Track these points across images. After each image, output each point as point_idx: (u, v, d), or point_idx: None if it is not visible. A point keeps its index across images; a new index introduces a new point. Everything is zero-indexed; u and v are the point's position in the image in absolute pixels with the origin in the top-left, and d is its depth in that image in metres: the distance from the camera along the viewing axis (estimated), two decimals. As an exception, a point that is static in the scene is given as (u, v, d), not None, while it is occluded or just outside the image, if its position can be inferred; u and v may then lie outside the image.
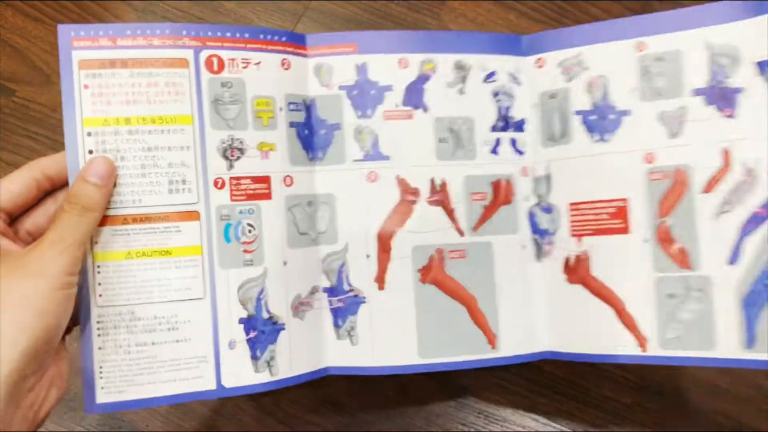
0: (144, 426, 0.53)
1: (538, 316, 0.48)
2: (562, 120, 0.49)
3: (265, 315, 0.43)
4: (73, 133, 0.39)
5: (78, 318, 0.39)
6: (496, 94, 0.48)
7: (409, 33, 0.47)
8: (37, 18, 0.54)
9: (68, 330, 0.39)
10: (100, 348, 0.39)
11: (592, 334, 0.48)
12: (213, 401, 0.54)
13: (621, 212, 0.48)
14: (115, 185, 0.39)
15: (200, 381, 0.41)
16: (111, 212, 0.39)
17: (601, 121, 0.48)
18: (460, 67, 0.47)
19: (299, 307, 0.44)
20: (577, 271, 0.48)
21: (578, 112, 0.48)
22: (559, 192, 0.48)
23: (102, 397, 0.39)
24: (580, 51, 0.48)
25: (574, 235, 0.49)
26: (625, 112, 0.47)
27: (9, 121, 0.54)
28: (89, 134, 0.39)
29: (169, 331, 0.40)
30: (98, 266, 0.39)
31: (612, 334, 0.47)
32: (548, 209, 0.48)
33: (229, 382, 0.42)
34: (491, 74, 0.48)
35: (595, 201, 0.48)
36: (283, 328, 0.43)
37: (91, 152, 0.39)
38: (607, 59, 0.48)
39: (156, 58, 0.40)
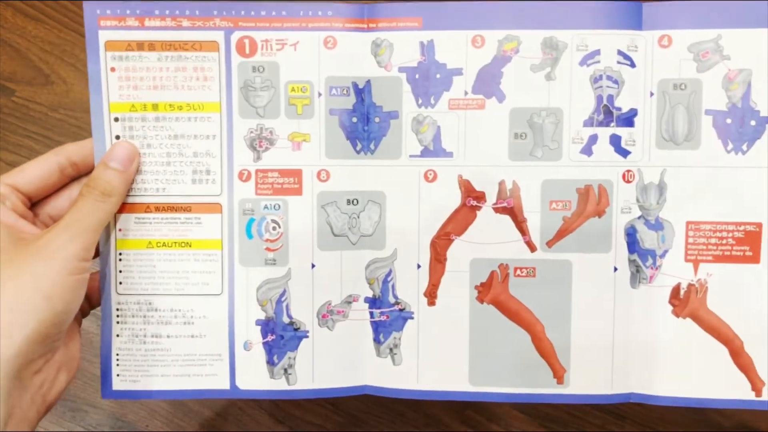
0: (144, 426, 0.53)
1: (624, 352, 0.40)
2: (688, 118, 0.39)
3: (286, 319, 0.39)
4: (100, 117, 0.38)
5: (94, 301, 0.40)
6: (596, 80, 0.39)
7: (488, 4, 0.39)
8: (37, 18, 0.54)
9: (85, 313, 0.40)
10: (117, 335, 0.39)
11: (697, 376, 0.40)
12: (212, 401, 0.53)
13: (751, 238, 0.39)
14: (139, 172, 0.39)
15: (214, 379, 0.40)
16: (134, 200, 0.39)
17: (737, 126, 0.38)
18: (550, 45, 0.39)
19: (327, 315, 0.40)
20: (688, 302, 0.39)
21: (709, 112, 0.38)
22: (674, 206, 0.39)
23: (117, 384, 0.39)
24: (720, 34, 0.38)
25: (689, 261, 0.39)
26: None
27: (9, 121, 0.54)
28: (116, 119, 0.38)
29: (185, 325, 0.39)
30: (120, 253, 0.39)
31: (723, 377, 0.40)
32: (657, 226, 0.39)
33: (243, 384, 0.40)
34: (592, 54, 0.39)
35: (720, 222, 0.39)
36: (306, 336, 0.40)
37: (118, 138, 0.38)
38: (752, 50, 0.38)
39: (185, 41, 0.38)
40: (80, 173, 0.39)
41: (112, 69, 0.38)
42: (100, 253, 0.39)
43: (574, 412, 0.53)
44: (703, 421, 0.53)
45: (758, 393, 0.39)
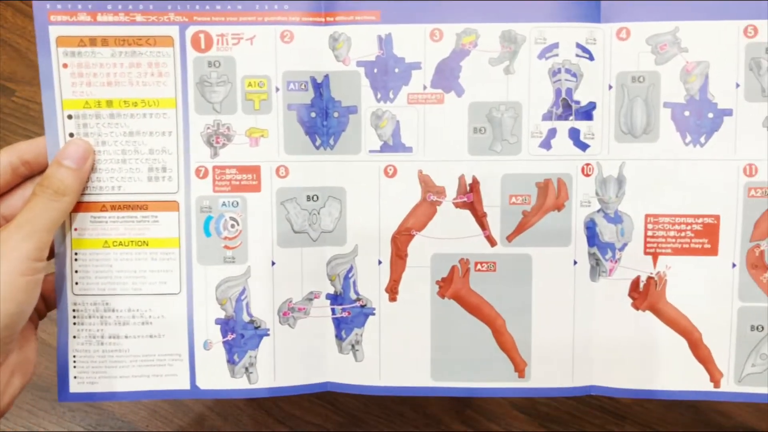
0: (144, 426, 0.53)
1: (585, 346, 0.40)
2: (647, 111, 0.39)
3: (246, 318, 0.39)
4: (53, 115, 0.37)
5: (50, 302, 0.39)
6: (555, 73, 0.39)
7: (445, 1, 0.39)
8: (37, 18, 0.55)
9: (41, 315, 0.39)
10: (74, 337, 0.39)
11: (657, 368, 0.40)
12: (213, 401, 0.52)
13: (709, 231, 0.39)
14: (94, 170, 0.38)
15: (174, 379, 0.39)
16: (90, 198, 0.38)
17: (696, 119, 0.38)
18: (508, 38, 0.39)
19: (288, 313, 0.39)
20: (648, 295, 0.39)
21: (668, 104, 0.38)
22: (633, 199, 0.39)
23: (75, 386, 0.39)
24: (678, 26, 0.38)
25: (648, 254, 0.39)
26: (726, 112, 0.38)
27: (9, 121, 0.54)
28: (70, 117, 0.38)
29: (143, 326, 0.39)
30: (76, 253, 0.38)
31: (683, 369, 0.40)
32: (616, 219, 0.39)
33: (204, 384, 0.39)
34: (550, 47, 0.39)
35: (678, 215, 0.39)
36: (267, 334, 0.39)
37: (71, 135, 0.38)
38: (710, 42, 0.38)
39: (139, 36, 0.37)
40: (33, 172, 0.38)
41: (65, 65, 0.37)
42: (55, 253, 0.38)
43: (574, 412, 0.53)
44: (703, 421, 0.53)
45: (716, 384, 0.39)
